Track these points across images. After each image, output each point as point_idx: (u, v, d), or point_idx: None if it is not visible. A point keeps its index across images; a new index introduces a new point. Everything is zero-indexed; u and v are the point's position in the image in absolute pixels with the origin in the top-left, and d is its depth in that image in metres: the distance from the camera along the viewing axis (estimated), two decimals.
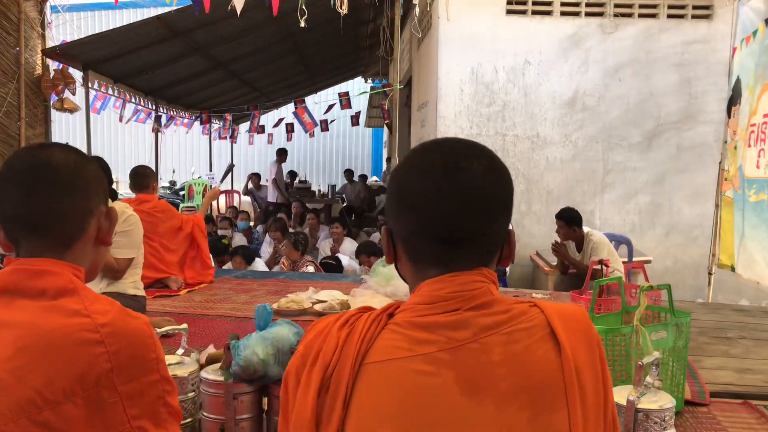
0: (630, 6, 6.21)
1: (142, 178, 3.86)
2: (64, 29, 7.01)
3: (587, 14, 6.24)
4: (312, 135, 12.67)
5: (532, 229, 6.36)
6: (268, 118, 13.84)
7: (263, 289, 4.06)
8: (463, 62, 6.23)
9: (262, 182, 12.38)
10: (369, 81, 16.32)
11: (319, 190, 13.61)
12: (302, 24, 5.49)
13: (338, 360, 0.82)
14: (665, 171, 6.34)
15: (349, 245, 7.15)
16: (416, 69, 8.23)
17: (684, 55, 6.24)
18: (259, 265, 6.01)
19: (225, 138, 12.40)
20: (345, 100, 8.75)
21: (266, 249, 7.14)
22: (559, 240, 4.97)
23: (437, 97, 6.26)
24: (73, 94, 6.00)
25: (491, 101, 6.27)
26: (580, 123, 6.32)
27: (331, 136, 18.94)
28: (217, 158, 14.77)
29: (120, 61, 6.76)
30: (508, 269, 5.83)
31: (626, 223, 6.38)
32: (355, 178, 13.78)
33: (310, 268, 5.73)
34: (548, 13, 6.24)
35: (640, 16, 6.23)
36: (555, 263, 5.67)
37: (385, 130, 17.64)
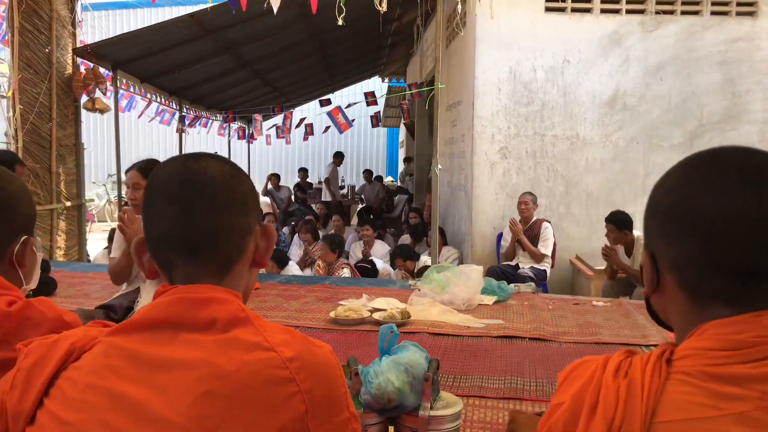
0: (672, 3, 6.05)
1: None
2: (88, 28, 6.87)
3: (628, 11, 6.08)
4: (325, 131, 12.45)
5: (571, 232, 6.21)
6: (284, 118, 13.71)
7: (312, 296, 3.92)
8: (501, 61, 6.08)
9: (282, 183, 12.29)
10: (386, 80, 16.20)
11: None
12: (340, 22, 5.36)
13: (623, 417, 0.68)
14: None
15: (380, 248, 7.03)
16: (444, 67, 8.05)
17: (727, 53, 6.07)
18: (293, 268, 5.88)
19: (254, 139, 12.23)
20: (371, 100, 8.62)
21: (296, 251, 7.01)
22: (608, 244, 4.83)
23: (474, 97, 6.12)
24: (105, 94, 5.87)
25: (529, 101, 6.12)
26: (620, 123, 6.16)
27: (345, 136, 18.78)
28: (233, 159, 14.65)
29: (149, 60, 6.63)
30: (548, 274, 5.69)
31: None
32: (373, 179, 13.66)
33: (346, 271, 5.60)
34: (588, 10, 6.08)
35: (683, 13, 6.07)
36: (598, 267, 5.53)
37: (402, 129, 17.50)
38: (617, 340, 3.03)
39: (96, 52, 5.76)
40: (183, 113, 9.11)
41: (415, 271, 5.84)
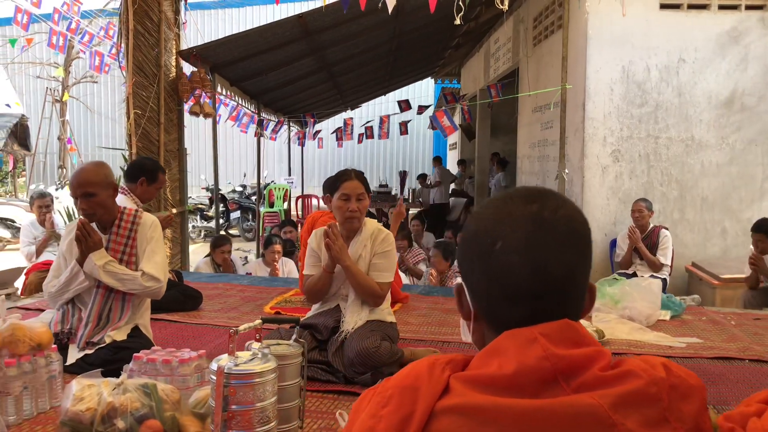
0: None
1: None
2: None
3: (747, 7, 5.80)
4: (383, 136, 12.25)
5: (686, 239, 5.94)
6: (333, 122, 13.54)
7: None
8: (614, 60, 5.83)
9: None
10: (438, 82, 16.00)
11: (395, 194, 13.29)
12: (457, 21, 5.14)
13: None
14: None
15: None
16: (532, 67, 7.81)
17: None
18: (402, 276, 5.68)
19: (309, 141, 12.08)
20: (450, 98, 8.43)
21: None
22: (754, 252, 4.57)
23: (585, 98, 5.87)
24: (210, 98, 5.73)
25: (643, 101, 5.87)
26: (738, 125, 5.88)
27: (390, 138, 18.58)
28: (281, 162, 14.57)
29: (243, 63, 6.49)
30: (668, 283, 5.41)
31: None
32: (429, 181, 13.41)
33: (459, 280, 5.37)
34: (705, 6, 5.82)
35: None
36: (724, 276, 5.26)
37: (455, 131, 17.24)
38: None
39: (200, 54, 5.61)
40: (261, 117, 8.97)
41: None
